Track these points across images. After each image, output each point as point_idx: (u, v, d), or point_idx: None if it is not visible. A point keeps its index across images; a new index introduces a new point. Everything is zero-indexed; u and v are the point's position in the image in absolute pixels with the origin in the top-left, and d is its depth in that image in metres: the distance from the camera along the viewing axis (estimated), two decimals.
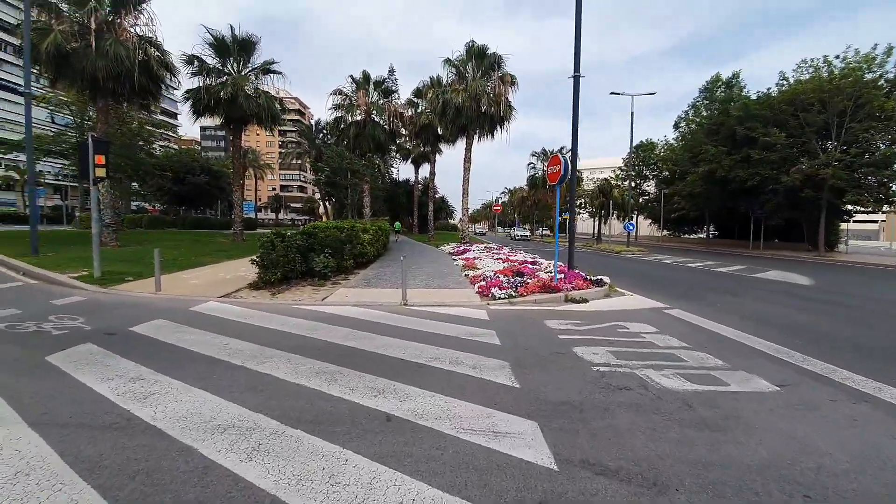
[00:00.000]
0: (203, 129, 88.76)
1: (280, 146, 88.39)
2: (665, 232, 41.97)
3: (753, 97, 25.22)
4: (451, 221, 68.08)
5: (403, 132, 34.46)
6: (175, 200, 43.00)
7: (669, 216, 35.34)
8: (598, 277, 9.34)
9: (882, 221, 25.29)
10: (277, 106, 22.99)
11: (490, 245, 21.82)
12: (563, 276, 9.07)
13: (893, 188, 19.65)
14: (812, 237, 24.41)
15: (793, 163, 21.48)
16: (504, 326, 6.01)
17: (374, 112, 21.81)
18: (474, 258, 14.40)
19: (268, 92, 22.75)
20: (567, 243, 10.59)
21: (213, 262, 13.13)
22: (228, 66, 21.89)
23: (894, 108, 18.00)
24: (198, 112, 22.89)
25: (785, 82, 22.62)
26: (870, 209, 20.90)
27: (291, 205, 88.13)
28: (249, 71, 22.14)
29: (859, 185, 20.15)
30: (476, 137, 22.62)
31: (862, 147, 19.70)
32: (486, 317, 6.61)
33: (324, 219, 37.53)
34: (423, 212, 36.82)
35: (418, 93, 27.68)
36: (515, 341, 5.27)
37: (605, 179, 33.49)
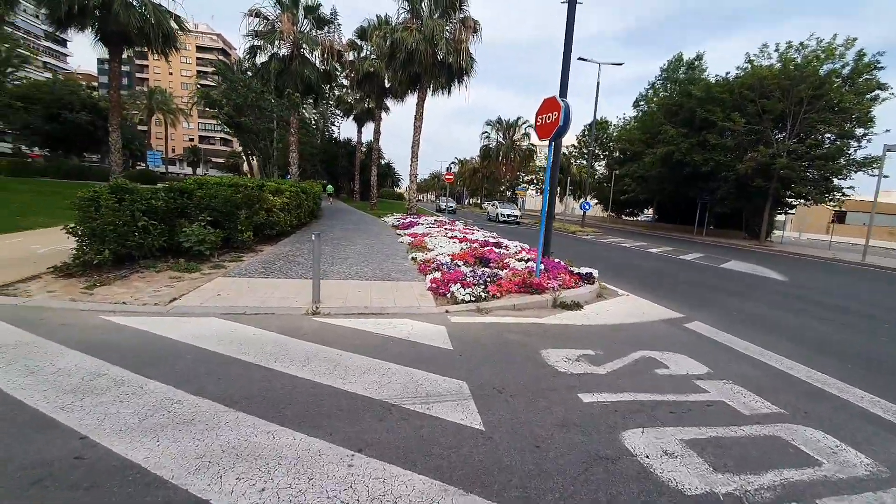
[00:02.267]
0: (101, 61, 73.23)
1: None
2: (609, 213, 42.35)
3: (713, 80, 24.62)
4: (398, 190, 64.00)
5: (344, 82, 29.82)
6: (49, 143, 34.30)
7: (618, 198, 35.22)
8: (587, 271, 7.17)
9: (790, 213, 26.51)
10: (173, 24, 17.67)
11: (441, 218, 19.17)
12: (543, 268, 6.74)
13: (835, 182, 20.29)
14: (750, 226, 25.13)
15: (747, 150, 21.26)
16: (480, 366, 3.47)
17: (303, 45, 17.43)
18: (424, 234, 11.68)
19: (159, 4, 17.30)
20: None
21: (42, 226, 9.00)
22: None
23: (852, 101, 18.05)
24: (58, 21, 16.99)
25: (749, 65, 22.09)
26: (811, 202, 21.61)
27: (213, 159, 77.55)
28: None
29: (804, 177, 20.48)
30: (430, 91, 19.31)
31: (814, 139, 19.82)
32: (446, 341, 4.03)
33: (249, 177, 32.04)
34: (365, 177, 32.83)
35: (362, 33, 23.32)
36: (512, 413, 2.76)
37: (563, 155, 32.06)
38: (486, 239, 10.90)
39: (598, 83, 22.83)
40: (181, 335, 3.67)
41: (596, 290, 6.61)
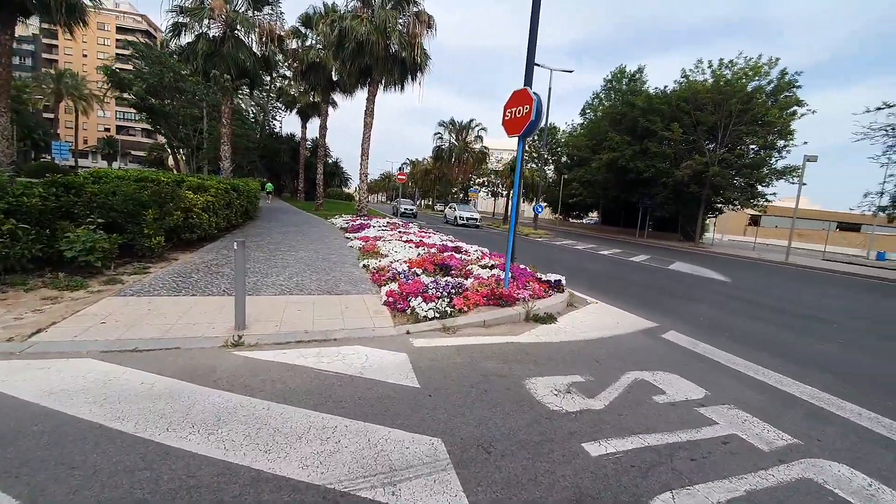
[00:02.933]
0: (4, 42, 62.38)
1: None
2: (557, 216, 43.73)
3: (653, 92, 26.11)
4: (347, 190, 61.44)
5: (287, 73, 27.72)
6: None
7: (566, 201, 36.37)
8: (555, 278, 6.72)
9: (712, 217, 28.94)
10: None
11: (394, 220, 18.19)
12: (512, 276, 6.17)
13: (759, 189, 22.30)
14: (685, 229, 26.98)
15: (683, 158, 22.70)
16: (457, 412, 2.73)
17: (237, 26, 15.54)
18: (376, 238, 10.72)
19: None
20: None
21: None
22: None
23: (776, 115, 19.88)
24: None
25: (685, 79, 23.65)
26: (738, 206, 23.60)
27: (133, 152, 69.65)
28: None
29: (732, 184, 22.30)
30: (381, 86, 18.25)
31: (742, 150, 21.60)
32: (410, 376, 3.24)
33: (172, 173, 28.68)
34: (310, 175, 30.77)
35: (307, 20, 21.68)
36: (508, 490, 2.04)
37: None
38: (445, 243, 10.21)
39: (549, 88, 23.15)
40: (32, 390, 2.54)
41: (567, 299, 6.16)
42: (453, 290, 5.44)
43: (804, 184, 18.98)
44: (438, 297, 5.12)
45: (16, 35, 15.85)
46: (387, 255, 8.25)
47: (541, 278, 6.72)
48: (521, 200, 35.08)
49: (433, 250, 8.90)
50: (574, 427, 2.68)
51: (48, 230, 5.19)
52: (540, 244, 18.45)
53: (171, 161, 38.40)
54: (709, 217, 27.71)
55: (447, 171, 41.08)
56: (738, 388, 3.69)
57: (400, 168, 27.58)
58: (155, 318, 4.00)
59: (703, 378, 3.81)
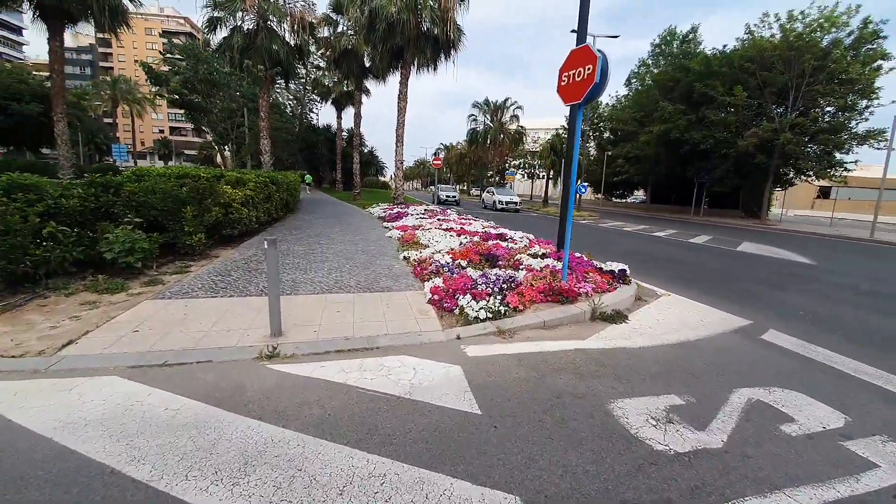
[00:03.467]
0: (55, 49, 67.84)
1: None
2: (600, 196, 41.41)
3: (710, 54, 23.44)
4: (382, 178, 61.76)
5: (321, 63, 27.64)
6: None
7: (610, 180, 34.20)
8: (619, 267, 5.91)
9: (779, 191, 25.82)
10: None
11: (432, 208, 17.69)
12: (568, 267, 5.45)
13: (837, 157, 19.54)
14: (748, 204, 24.41)
15: (748, 126, 20.29)
16: (530, 453, 2.16)
17: (270, 16, 15.38)
18: (414, 227, 10.27)
19: None
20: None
21: None
22: None
23: (859, 71, 17.13)
24: None
25: (749, 36, 20.94)
26: (811, 177, 20.88)
27: (185, 151, 73.80)
28: None
29: (805, 153, 19.68)
30: (414, 67, 17.56)
31: (816, 113, 18.92)
32: (468, 397, 2.71)
33: (219, 168, 29.75)
34: (347, 165, 30.87)
35: (337, 6, 21.17)
36: None
37: (557, 135, 30.63)
38: (487, 230, 9.56)
39: None
40: (47, 421, 2.26)
41: (634, 292, 5.36)
42: (505, 286, 4.84)
43: (894, 149, 16.31)
44: (489, 294, 4.54)
45: (72, 45, 16.63)
46: (427, 246, 7.75)
47: (601, 268, 5.95)
48: (560, 180, 33.44)
49: (476, 238, 8.30)
50: (693, 477, 2.03)
51: (89, 232, 5.12)
52: (586, 227, 17.27)
53: (219, 158, 40.10)
54: (778, 189, 24.86)
55: (482, 155, 39.87)
56: (887, 411, 2.86)
57: (435, 153, 26.88)
58: (190, 325, 3.74)
59: (836, 397, 2.99)
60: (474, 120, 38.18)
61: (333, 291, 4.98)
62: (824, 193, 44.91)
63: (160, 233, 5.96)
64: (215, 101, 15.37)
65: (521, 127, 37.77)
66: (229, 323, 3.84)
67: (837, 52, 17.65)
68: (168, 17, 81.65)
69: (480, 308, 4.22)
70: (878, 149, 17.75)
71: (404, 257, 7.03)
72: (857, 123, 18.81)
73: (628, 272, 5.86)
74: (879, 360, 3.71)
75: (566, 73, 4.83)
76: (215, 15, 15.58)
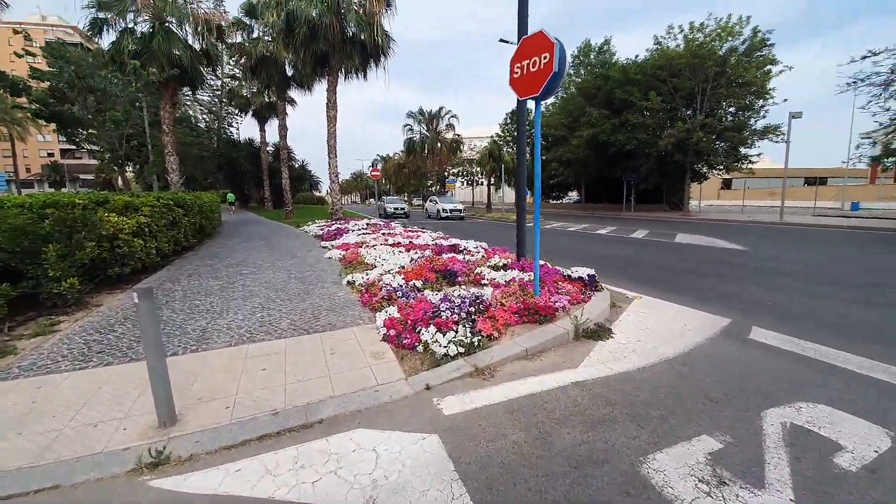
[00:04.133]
0: None
1: None
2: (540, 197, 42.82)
3: (625, 63, 25.25)
4: (318, 193, 58.70)
5: (232, 66, 25.30)
6: None
7: (546, 182, 35.49)
8: (586, 273, 5.48)
9: (696, 184, 28.58)
10: None
11: (375, 221, 16.60)
12: (530, 276, 4.88)
13: (742, 151, 21.84)
14: (670, 199, 26.51)
15: (665, 127, 21.99)
16: None
17: (168, 17, 13.38)
18: (357, 244, 9.23)
19: None
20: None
21: None
22: None
23: (753, 73, 19.31)
24: None
25: (657, 46, 22.84)
26: (722, 171, 23.15)
27: (81, 176, 64.55)
28: None
29: (715, 149, 21.77)
30: (342, 74, 16.49)
31: (721, 113, 21.01)
32: (455, 489, 1.89)
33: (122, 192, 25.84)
34: (276, 181, 28.57)
35: (250, 9, 19.51)
36: None
37: (494, 141, 31.03)
38: (438, 242, 8.84)
39: None
40: None
41: (608, 299, 4.92)
42: (472, 309, 4.11)
43: (788, 141, 18.57)
44: (456, 323, 3.77)
45: None
46: (374, 265, 6.83)
47: (569, 275, 5.48)
48: (502, 186, 33.85)
49: (427, 252, 7.53)
50: None
51: None
52: (531, 230, 17.28)
53: (121, 181, 35.07)
54: (691, 185, 27.28)
55: (421, 164, 39.41)
56: None
57: (373, 164, 25.55)
58: (38, 421, 2.51)
59: (863, 406, 2.65)
60: (410, 130, 37.68)
61: (258, 339, 3.89)
62: (727, 185, 51.00)
63: (12, 283, 4.42)
64: (100, 113, 12.83)
65: (458, 135, 37.98)
66: (99, 410, 2.65)
67: (734, 59, 19.80)
68: (53, 26, 71.35)
69: (449, 342, 3.44)
70: (777, 142, 20.11)
71: (348, 282, 6.04)
72: (755, 121, 21.20)
73: (595, 276, 5.44)
74: (865, 349, 3.55)
75: (519, 64, 4.29)
76: (100, 16, 13.25)
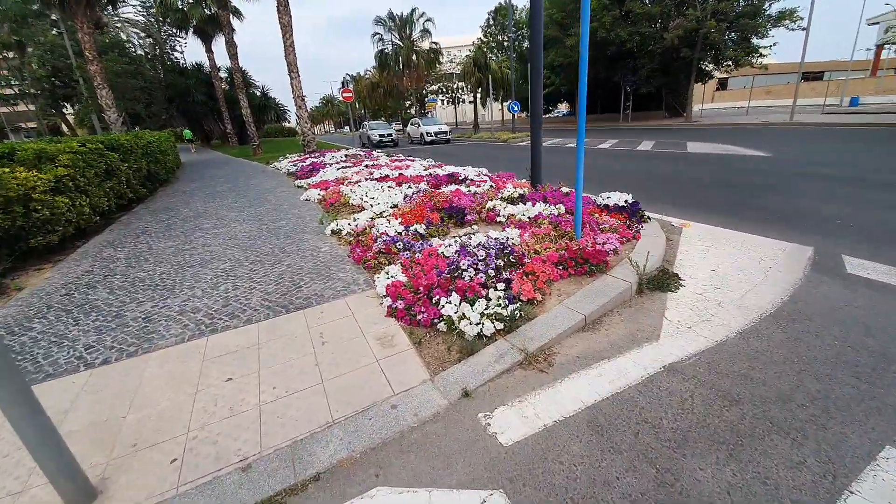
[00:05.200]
0: None
1: None
2: (525, 113, 39.99)
3: None
4: (287, 124, 53.75)
5: None
6: None
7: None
8: (625, 199, 4.48)
9: (699, 85, 26.44)
10: None
11: (353, 152, 14.79)
12: (560, 210, 3.88)
13: (753, 42, 19.56)
14: (671, 104, 24.56)
15: (671, 18, 19.34)
16: None
17: None
18: (338, 181, 7.92)
19: None
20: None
21: None
22: None
23: None
24: None
25: None
26: (731, 65, 20.96)
27: (21, 125, 57.69)
28: None
29: (726, 42, 19.44)
30: None
31: None
32: None
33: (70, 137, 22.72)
34: (235, 112, 25.38)
35: None
36: None
37: (478, 47, 27.29)
38: (433, 172, 7.58)
39: None
40: None
41: (662, 233, 3.99)
42: (501, 262, 3.14)
43: (804, 28, 16.47)
44: (484, 285, 2.82)
45: None
46: (362, 207, 5.69)
47: (606, 205, 4.47)
48: (489, 100, 30.92)
49: (423, 186, 6.34)
50: None
51: None
52: (528, 151, 15.80)
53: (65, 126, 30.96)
54: (703, 83, 25.05)
55: (397, 82, 35.43)
56: None
57: (343, 85, 22.09)
58: None
59: None
60: (381, 40, 33.01)
61: (221, 326, 2.91)
62: (722, 85, 47.94)
63: None
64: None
65: (434, 43, 33.57)
66: None
67: None
68: None
69: (481, 316, 2.52)
70: (792, 29, 17.90)
71: (333, 231, 4.95)
72: (770, 4, 18.63)
73: (639, 206, 4.45)
74: None
75: None
76: None
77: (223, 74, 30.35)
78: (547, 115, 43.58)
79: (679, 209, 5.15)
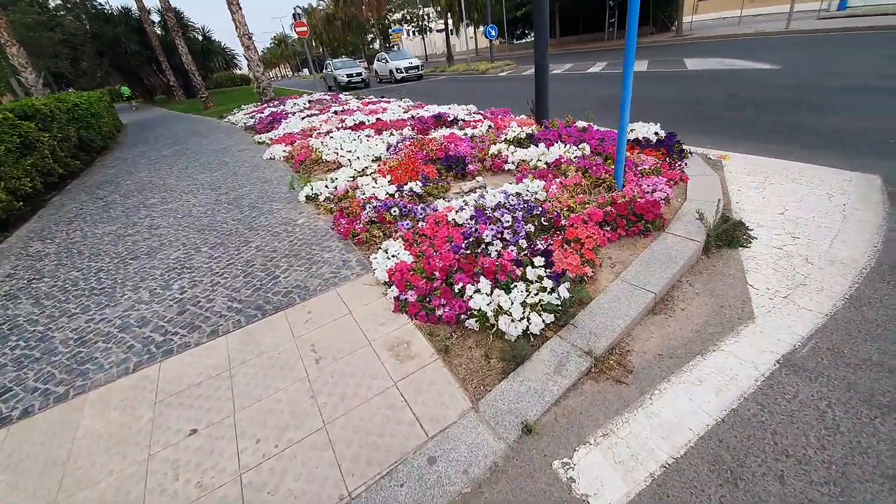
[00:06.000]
0: None
1: None
2: (500, 40, 36.82)
3: None
4: (239, 71, 48.41)
5: None
6: None
7: (512, 15, 29.62)
8: (655, 130, 3.75)
9: None
10: None
11: (318, 96, 13.09)
12: (584, 150, 3.15)
13: None
14: (658, 17, 22.71)
15: None
16: None
17: None
18: (305, 132, 6.81)
19: None
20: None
21: None
22: None
23: None
24: None
25: None
26: None
27: None
28: None
29: None
30: None
31: None
32: None
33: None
34: (175, 61, 22.21)
35: None
36: None
37: None
38: (417, 114, 6.54)
39: None
40: None
41: (713, 172, 3.34)
42: (531, 228, 2.47)
43: None
44: (517, 262, 2.18)
45: None
46: (338, 164, 4.80)
47: (638, 140, 3.74)
48: (462, 26, 27.81)
49: (406, 131, 5.40)
50: None
51: None
52: (515, 80, 14.43)
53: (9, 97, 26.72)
54: None
55: (356, 12, 31.48)
56: None
57: (295, 18, 19.04)
58: None
59: None
60: None
61: (176, 343, 2.23)
62: None
63: None
64: None
65: None
66: None
67: None
68: None
69: (526, 308, 1.91)
70: None
71: (307, 196, 4.10)
72: None
73: (681, 142, 3.73)
74: None
75: None
76: None
77: (155, 18, 26.22)
78: (522, 41, 40.31)
79: (705, 137, 4.46)
